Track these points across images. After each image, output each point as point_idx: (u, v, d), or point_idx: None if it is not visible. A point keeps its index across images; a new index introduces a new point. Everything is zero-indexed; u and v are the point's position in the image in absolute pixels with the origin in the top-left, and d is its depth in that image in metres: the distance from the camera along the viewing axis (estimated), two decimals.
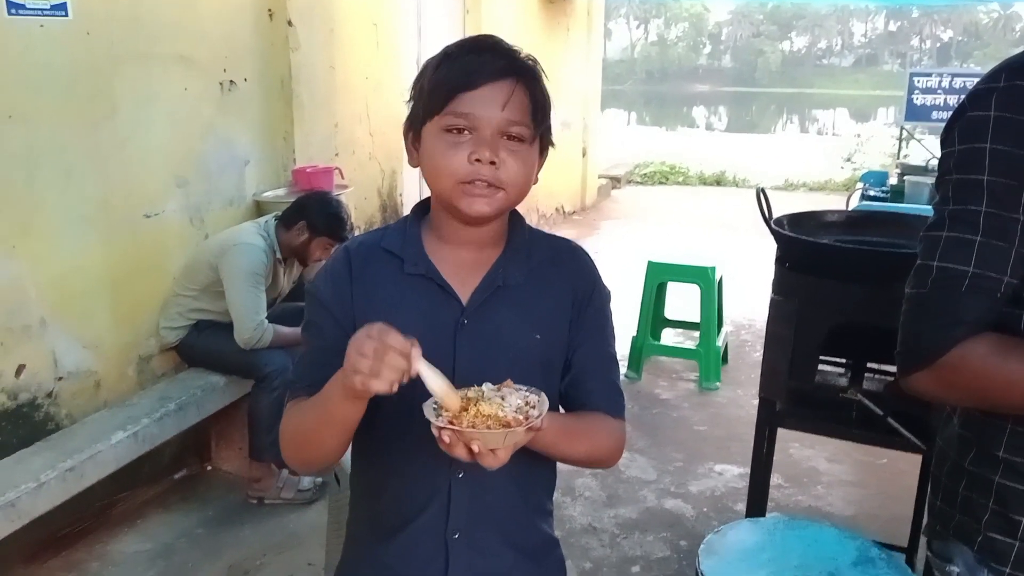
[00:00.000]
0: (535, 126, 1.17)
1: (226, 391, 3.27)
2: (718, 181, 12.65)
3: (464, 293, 1.21)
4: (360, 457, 1.29)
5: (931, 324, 1.12)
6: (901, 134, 10.77)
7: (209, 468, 3.52)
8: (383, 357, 0.95)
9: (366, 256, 1.24)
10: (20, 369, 2.82)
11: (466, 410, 1.00)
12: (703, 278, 4.48)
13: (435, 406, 1.00)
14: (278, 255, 3.25)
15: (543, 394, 1.05)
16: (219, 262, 3.16)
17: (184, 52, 3.42)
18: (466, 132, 1.12)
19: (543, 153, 1.24)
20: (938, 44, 68.00)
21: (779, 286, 2.34)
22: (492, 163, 1.12)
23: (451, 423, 0.97)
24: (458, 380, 1.12)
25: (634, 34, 70.98)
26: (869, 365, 2.46)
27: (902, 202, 4.63)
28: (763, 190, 2.44)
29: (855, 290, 2.18)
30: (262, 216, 3.48)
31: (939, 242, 1.14)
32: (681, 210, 10.22)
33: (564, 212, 9.18)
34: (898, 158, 10.74)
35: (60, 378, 2.96)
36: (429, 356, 1.16)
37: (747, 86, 59.31)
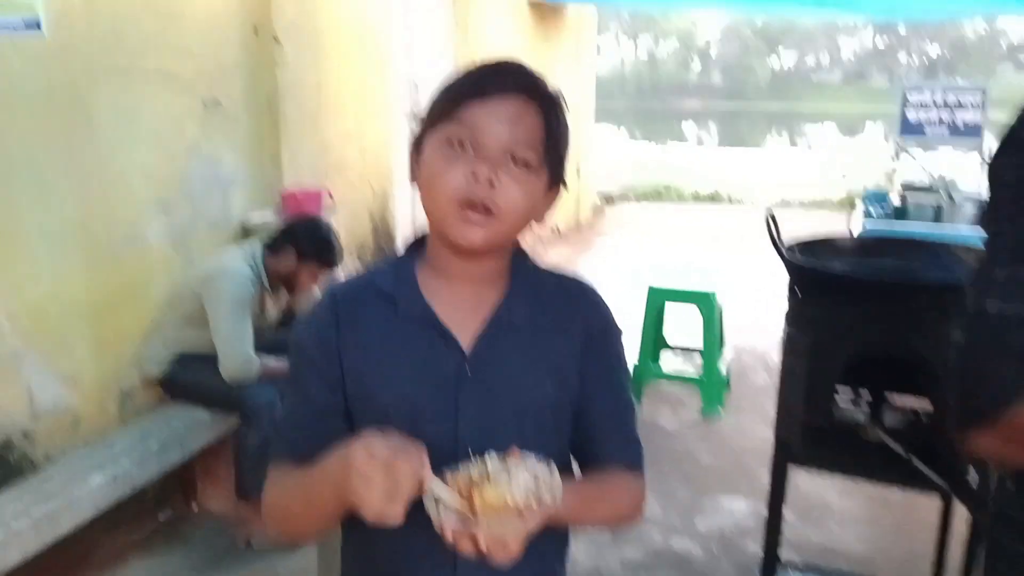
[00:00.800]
0: (545, 153, 1.05)
1: (211, 428, 3.11)
2: (712, 198, 12.58)
3: (466, 338, 1.08)
4: (353, 528, 1.15)
5: (992, 378, 0.99)
6: (896, 150, 10.76)
7: (195, 508, 3.35)
8: (395, 495, 0.86)
9: (354, 299, 1.11)
10: None
11: (470, 499, 0.87)
12: (705, 303, 4.35)
13: (436, 496, 0.87)
14: (265, 283, 3.11)
15: (553, 466, 0.94)
16: (203, 290, 3.01)
17: (166, 68, 3.28)
18: (468, 146, 1.01)
19: (552, 190, 1.11)
20: (925, 60, 68.60)
21: (792, 318, 2.20)
22: (490, 183, 0.99)
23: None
24: (460, 439, 1.04)
25: (624, 51, 71.33)
26: (890, 397, 2.33)
27: (906, 221, 4.53)
28: (773, 215, 2.31)
29: (874, 321, 2.06)
30: (248, 239, 3.35)
31: (997, 281, 1.00)
32: (676, 228, 10.13)
33: (558, 230, 9.07)
34: (892, 175, 10.72)
35: (36, 416, 2.80)
36: (429, 412, 1.05)
37: (737, 100, 59.57)
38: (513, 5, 7.26)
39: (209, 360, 3.02)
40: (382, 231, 5.17)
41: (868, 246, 2.46)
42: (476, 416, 1.06)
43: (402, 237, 5.37)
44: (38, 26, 2.68)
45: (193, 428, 3.04)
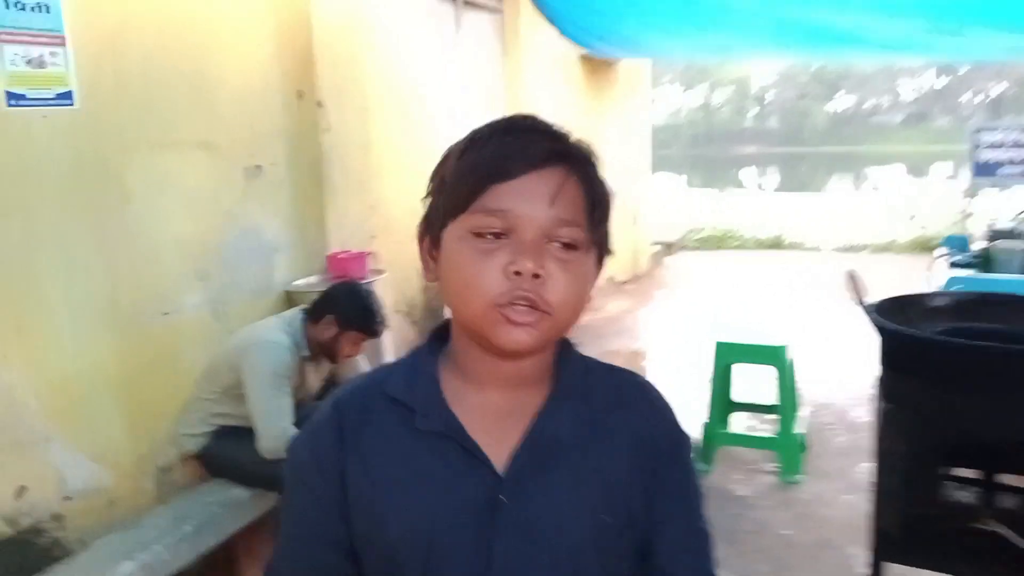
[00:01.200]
0: (591, 229, 0.86)
1: (250, 507, 2.93)
2: (775, 245, 12.18)
3: (499, 456, 0.88)
4: None
5: None
6: (969, 193, 10.27)
7: None
8: None
9: (362, 409, 0.92)
10: (21, 491, 2.53)
11: None
12: (778, 359, 4.05)
13: None
14: (304, 353, 2.95)
15: None
16: (240, 362, 2.87)
17: (204, 138, 3.21)
18: (501, 236, 0.82)
19: (599, 264, 0.92)
20: (989, 99, 66.86)
21: (887, 391, 1.93)
22: (536, 276, 0.81)
23: None
24: None
25: (679, 100, 71.30)
26: (1003, 479, 2.03)
27: (992, 270, 4.16)
28: (854, 274, 2.06)
29: (984, 396, 1.79)
30: (293, 308, 3.21)
31: None
32: (739, 276, 9.77)
33: (616, 282, 8.83)
34: (965, 217, 10.23)
35: (67, 498, 2.67)
36: (452, 551, 0.86)
37: (795, 146, 58.78)
38: (564, 61, 7.17)
39: (247, 435, 2.87)
40: (432, 290, 5.02)
41: (966, 305, 2.17)
42: (513, 557, 0.86)
43: None
44: (70, 98, 2.63)
45: (230, 508, 2.87)
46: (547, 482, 0.88)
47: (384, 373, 0.96)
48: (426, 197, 0.92)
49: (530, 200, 0.83)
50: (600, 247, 0.90)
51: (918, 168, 35.70)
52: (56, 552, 2.61)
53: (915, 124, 67.36)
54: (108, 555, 2.56)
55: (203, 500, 2.90)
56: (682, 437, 0.99)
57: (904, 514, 1.89)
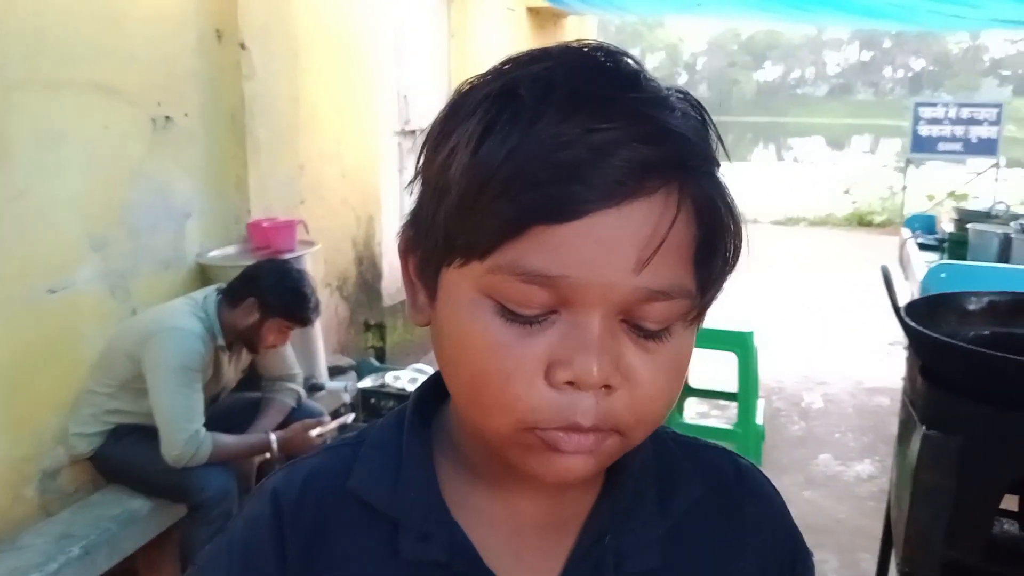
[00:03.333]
0: (702, 288, 0.50)
1: (151, 521, 2.50)
2: None
3: None
4: None
5: None
6: (906, 167, 10.29)
7: None
8: None
9: (317, 517, 0.57)
10: None
11: None
12: (741, 345, 3.78)
13: None
14: (220, 341, 2.51)
15: None
16: (141, 352, 2.41)
17: (105, 80, 2.71)
18: (549, 303, 0.47)
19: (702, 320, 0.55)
20: (910, 74, 68.90)
21: (930, 414, 1.62)
22: (607, 388, 0.47)
23: None
24: None
25: None
26: None
27: (964, 256, 3.95)
28: (888, 271, 1.74)
29: None
30: (208, 285, 2.76)
31: None
32: None
33: None
34: (903, 193, 10.26)
35: None
36: None
37: (723, 115, 59.60)
38: (511, 11, 6.74)
39: (149, 435, 2.44)
40: (367, 262, 4.59)
41: (1003, 307, 1.88)
42: None
43: (389, 268, 4.78)
44: None
45: (128, 524, 2.43)
46: None
47: (345, 455, 0.58)
48: (413, 180, 0.53)
49: (604, 257, 0.45)
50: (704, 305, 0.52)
51: (837, 141, 36.54)
52: None
53: (839, 96, 69.04)
54: None
55: (95, 513, 2.45)
56: (801, 546, 0.65)
57: (943, 560, 1.60)
